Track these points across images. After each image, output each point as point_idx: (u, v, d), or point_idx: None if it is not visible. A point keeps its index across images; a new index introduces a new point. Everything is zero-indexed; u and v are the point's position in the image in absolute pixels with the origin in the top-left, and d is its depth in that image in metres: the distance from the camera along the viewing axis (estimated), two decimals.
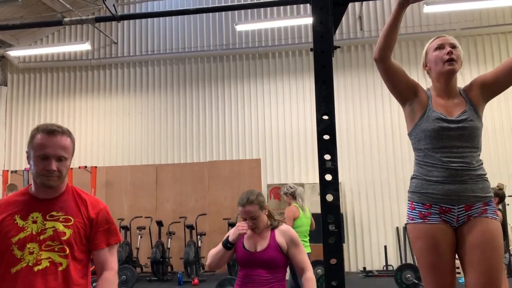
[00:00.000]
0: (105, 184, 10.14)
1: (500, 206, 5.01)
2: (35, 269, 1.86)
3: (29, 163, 1.92)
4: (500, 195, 4.90)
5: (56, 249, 1.90)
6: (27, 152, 1.93)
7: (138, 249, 9.18)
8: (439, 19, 9.93)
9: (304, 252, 2.86)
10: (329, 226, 1.84)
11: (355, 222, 9.61)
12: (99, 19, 2.94)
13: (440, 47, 2.32)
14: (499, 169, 9.29)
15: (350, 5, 6.85)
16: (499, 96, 9.18)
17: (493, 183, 9.25)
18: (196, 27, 10.92)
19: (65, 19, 2.72)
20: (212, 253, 2.92)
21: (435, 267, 2.19)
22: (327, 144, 1.90)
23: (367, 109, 9.94)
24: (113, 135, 10.84)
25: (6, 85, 11.46)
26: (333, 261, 1.84)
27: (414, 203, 2.29)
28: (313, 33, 2.02)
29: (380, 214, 9.56)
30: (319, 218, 1.96)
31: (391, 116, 9.80)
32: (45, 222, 1.91)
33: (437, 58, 2.31)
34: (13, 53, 10.57)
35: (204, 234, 9.10)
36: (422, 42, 9.93)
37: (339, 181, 1.92)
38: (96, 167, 9.96)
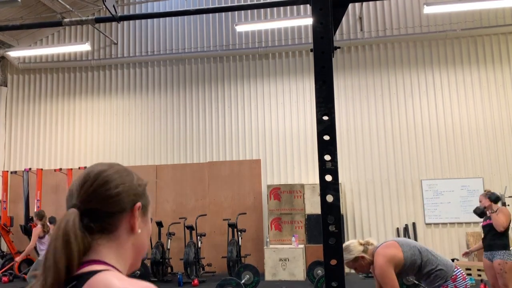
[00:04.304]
0: None
1: (500, 205, 5.10)
2: None
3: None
4: (492, 199, 5.03)
5: None
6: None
7: None
8: (439, 19, 9.92)
9: None
10: (329, 227, 1.84)
11: (355, 222, 9.60)
12: (99, 20, 2.95)
13: None
14: (499, 169, 9.30)
15: (350, 5, 6.86)
16: (500, 97, 9.07)
17: (494, 182, 9.26)
18: (196, 27, 10.92)
19: (65, 19, 2.72)
20: None
21: None
22: (327, 145, 1.90)
23: (367, 110, 9.94)
24: (113, 136, 10.83)
25: (6, 86, 11.46)
26: (334, 262, 1.84)
27: None
28: (313, 34, 2.02)
29: (381, 215, 9.55)
30: (319, 219, 1.95)
31: (391, 117, 9.80)
32: None
33: None
34: (13, 53, 10.56)
35: (204, 235, 9.09)
36: (422, 42, 9.93)
37: (339, 181, 1.92)
38: None
